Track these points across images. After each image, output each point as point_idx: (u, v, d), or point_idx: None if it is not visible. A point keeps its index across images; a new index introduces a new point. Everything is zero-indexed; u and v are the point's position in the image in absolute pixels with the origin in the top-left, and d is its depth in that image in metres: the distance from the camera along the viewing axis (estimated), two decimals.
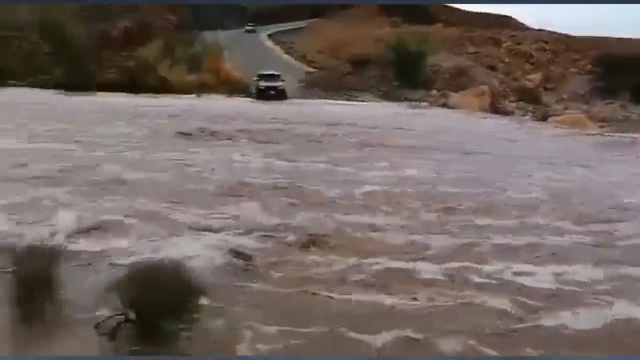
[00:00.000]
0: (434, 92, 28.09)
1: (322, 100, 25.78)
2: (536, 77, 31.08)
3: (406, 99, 26.42)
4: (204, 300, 4.33)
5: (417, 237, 6.82)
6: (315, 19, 54.23)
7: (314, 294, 5.07)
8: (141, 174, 9.45)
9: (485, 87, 26.28)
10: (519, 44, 36.04)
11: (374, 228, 7.14)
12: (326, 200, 8.45)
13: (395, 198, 8.81)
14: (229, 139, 13.93)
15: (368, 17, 45.55)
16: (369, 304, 4.94)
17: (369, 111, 22.89)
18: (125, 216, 6.99)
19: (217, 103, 23.52)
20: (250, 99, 25.37)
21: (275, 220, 7.17)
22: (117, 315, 4.08)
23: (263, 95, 24.82)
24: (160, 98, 23.74)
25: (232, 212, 7.48)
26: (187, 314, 4.18)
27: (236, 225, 6.93)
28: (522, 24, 53.45)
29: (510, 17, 56.22)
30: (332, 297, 4.99)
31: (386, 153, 12.98)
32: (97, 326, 4.04)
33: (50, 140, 12.33)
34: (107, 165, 9.82)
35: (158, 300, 4.00)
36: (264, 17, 59.26)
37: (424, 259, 6.09)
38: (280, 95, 24.94)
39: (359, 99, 27.10)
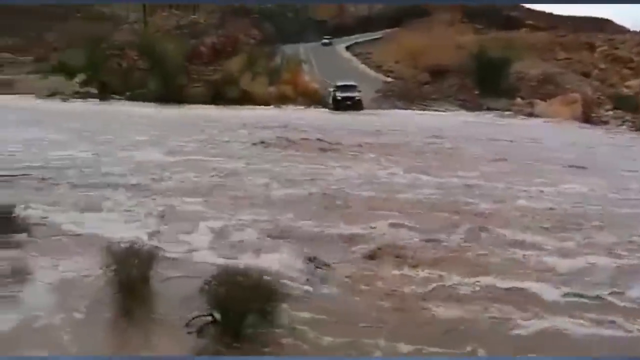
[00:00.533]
0: (519, 100, 26.75)
1: (405, 111, 25.52)
2: (636, 83, 28.50)
3: (488, 109, 25.42)
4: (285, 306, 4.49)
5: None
6: (394, 29, 53.99)
7: None
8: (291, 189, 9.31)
9: (576, 95, 24.56)
10: (616, 48, 33.35)
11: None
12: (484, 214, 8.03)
13: (557, 216, 8.07)
14: (358, 152, 13.79)
15: (449, 24, 44.49)
16: None
17: (449, 121, 22.26)
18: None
19: (304, 114, 24.10)
20: (327, 109, 25.80)
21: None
22: (204, 315, 4.33)
23: (340, 105, 25.10)
24: (252, 110, 24.99)
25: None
26: (268, 318, 4.37)
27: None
28: (622, 26, 49.40)
29: (606, 20, 52.24)
30: None
31: (527, 168, 12.11)
32: (186, 324, 4.31)
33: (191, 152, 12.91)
34: (259, 179, 10.06)
35: (241, 304, 4.22)
36: (342, 29, 60.11)
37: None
38: (356, 105, 25.07)
39: (435, 108, 26.51)
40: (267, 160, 12.22)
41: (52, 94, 28.30)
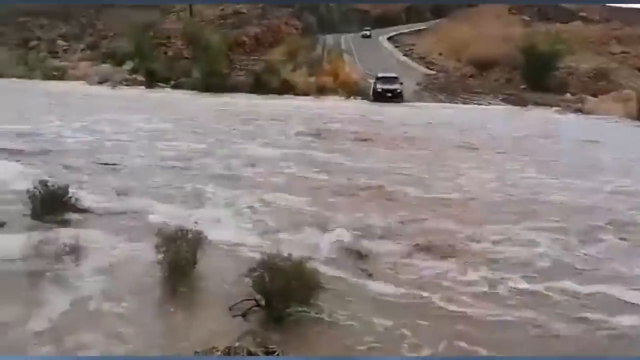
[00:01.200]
0: (568, 96, 25.72)
1: (449, 104, 25.11)
2: None
3: (535, 104, 24.58)
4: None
5: None
6: (439, 20, 52.87)
7: None
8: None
9: (631, 92, 23.35)
10: None
11: None
12: None
13: None
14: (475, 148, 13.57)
15: (497, 16, 43.12)
16: None
17: (493, 115, 21.68)
18: None
19: (343, 105, 24.16)
20: (367, 101, 25.68)
21: None
22: (248, 299, 4.46)
23: (380, 97, 24.94)
24: (292, 100, 25.22)
25: None
26: (310, 304, 4.46)
27: None
28: None
29: None
30: None
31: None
32: (231, 308, 4.45)
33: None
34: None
35: (285, 290, 4.31)
36: (385, 20, 59.30)
37: None
38: (397, 97, 24.84)
39: (479, 101, 25.87)
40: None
41: (102, 81, 29.47)
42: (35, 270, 5.03)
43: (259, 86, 27.27)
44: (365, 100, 25.80)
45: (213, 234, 5.73)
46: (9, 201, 7.06)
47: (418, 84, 29.58)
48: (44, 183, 6.85)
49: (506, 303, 4.92)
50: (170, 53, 33.76)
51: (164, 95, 26.13)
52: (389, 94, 24.90)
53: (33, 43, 39.25)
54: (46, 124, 14.72)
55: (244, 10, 44.87)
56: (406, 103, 24.80)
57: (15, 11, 43.49)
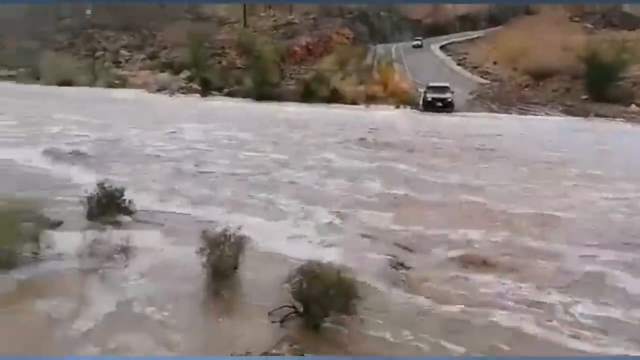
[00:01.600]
0: (634, 107, 24.19)
1: (501, 115, 24.26)
2: None
3: (597, 115, 23.29)
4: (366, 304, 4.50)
5: None
6: (495, 28, 51.48)
7: None
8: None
9: None
10: None
11: None
12: None
13: None
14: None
15: (556, 23, 41.38)
16: None
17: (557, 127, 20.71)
18: None
19: (391, 114, 23.98)
20: (416, 110, 25.32)
21: None
22: (287, 306, 4.46)
23: (429, 107, 24.53)
24: (340, 108, 25.31)
25: None
26: (348, 313, 4.41)
27: None
28: None
29: None
30: None
31: None
32: (270, 313, 4.47)
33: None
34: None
35: (323, 299, 4.29)
36: (437, 29, 58.53)
37: None
38: (447, 106, 24.34)
39: (535, 112, 24.82)
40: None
41: (160, 89, 30.84)
42: (86, 269, 5.27)
43: (308, 95, 27.57)
44: (415, 110, 25.47)
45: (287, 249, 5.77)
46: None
47: (471, 93, 28.84)
48: (101, 185, 7.22)
49: None
50: (224, 63, 34.87)
51: (229, 104, 26.75)
52: (440, 104, 24.43)
53: (99, 53, 41.77)
54: (125, 131, 15.28)
55: (296, 21, 45.70)
56: (457, 113, 24.23)
57: (85, 24, 46.53)
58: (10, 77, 37.32)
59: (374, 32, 55.02)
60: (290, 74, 33.37)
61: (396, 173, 10.75)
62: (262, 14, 48.72)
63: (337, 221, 7.35)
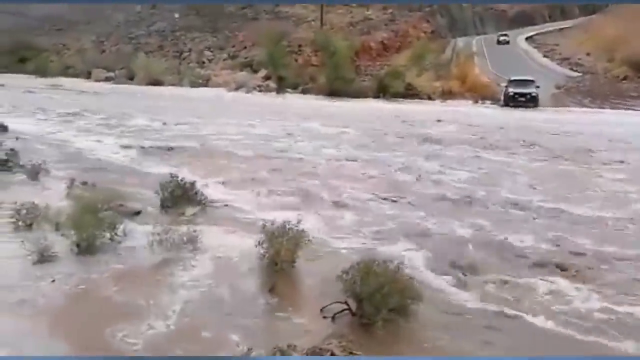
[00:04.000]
0: None
1: (594, 110, 22.29)
2: None
3: None
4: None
5: None
6: (588, 17, 47.55)
7: None
8: None
9: None
10: None
11: None
12: None
13: None
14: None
15: None
16: None
17: None
18: None
19: (468, 110, 23.03)
20: (497, 105, 24.12)
21: None
22: (339, 302, 4.42)
23: (511, 101, 23.20)
24: (416, 104, 24.74)
25: None
26: (403, 313, 4.27)
27: None
28: None
29: None
30: None
31: None
32: (321, 309, 4.46)
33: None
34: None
35: (376, 296, 4.19)
36: (524, 19, 55.23)
37: None
38: (531, 102, 22.85)
39: (634, 107, 22.48)
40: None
41: (238, 87, 32.08)
42: (157, 257, 5.59)
43: (382, 91, 27.27)
44: (495, 105, 24.26)
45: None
46: None
47: (558, 87, 26.87)
48: (175, 177, 7.65)
49: None
50: (300, 60, 35.47)
51: (299, 101, 27.22)
52: (522, 98, 23.01)
53: (185, 54, 44.29)
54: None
55: (373, 17, 45.30)
56: (543, 108, 22.67)
57: (173, 27, 49.59)
58: (107, 79, 40.81)
59: (454, 24, 53.10)
60: (365, 70, 33.19)
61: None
62: (339, 11, 48.87)
63: None
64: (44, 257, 5.29)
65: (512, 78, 24.59)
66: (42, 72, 44.89)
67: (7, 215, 6.28)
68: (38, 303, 4.54)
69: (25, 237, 5.73)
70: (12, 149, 9.85)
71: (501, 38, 46.01)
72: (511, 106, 22.99)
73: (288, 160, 11.40)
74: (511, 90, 23.55)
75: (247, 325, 4.29)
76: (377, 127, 16.97)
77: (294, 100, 27.67)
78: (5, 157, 9.21)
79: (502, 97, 24.35)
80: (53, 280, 4.95)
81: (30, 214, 6.24)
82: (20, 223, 6.16)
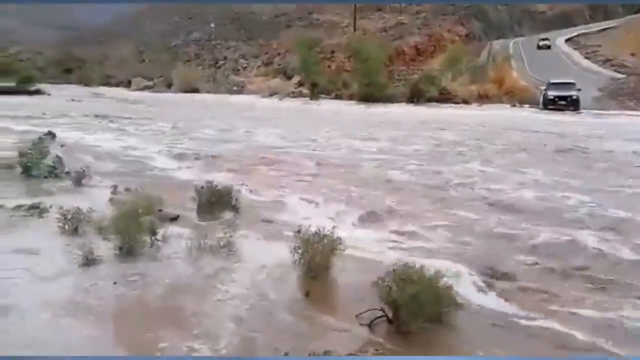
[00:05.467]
0: None
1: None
2: None
3: None
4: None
5: None
6: (634, 15, 45.69)
7: None
8: None
9: None
10: None
11: None
12: None
13: None
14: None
15: None
16: None
17: None
18: None
19: (505, 114, 22.58)
20: (535, 109, 23.50)
21: None
22: (375, 309, 4.38)
23: (550, 105, 22.55)
24: (452, 109, 24.43)
25: None
26: (442, 322, 4.20)
27: None
28: None
29: None
30: None
31: None
32: (356, 316, 4.42)
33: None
34: None
35: (413, 304, 4.12)
36: (564, 20, 53.61)
37: None
38: (572, 105, 22.12)
39: None
40: None
41: (271, 94, 32.51)
42: (194, 260, 5.69)
43: (415, 96, 27.05)
44: (535, 109, 23.65)
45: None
46: None
47: (600, 89, 25.91)
48: (210, 183, 7.79)
49: None
50: (332, 67, 35.64)
51: (330, 106, 27.41)
52: (563, 102, 22.32)
53: (221, 62, 45.31)
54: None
55: (405, 21, 45.05)
56: (587, 111, 21.92)
57: (209, 36, 50.79)
58: (146, 87, 42.18)
59: (490, 27, 52.09)
60: (398, 75, 33.00)
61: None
62: (372, 17, 48.88)
63: None
64: (88, 260, 5.48)
65: (552, 81, 23.92)
66: (85, 82, 46.87)
67: (55, 219, 6.54)
68: (86, 304, 4.70)
69: (71, 240, 5.96)
70: (57, 156, 10.27)
71: (541, 43, 43.39)
72: (550, 109, 22.38)
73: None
74: (551, 93, 22.91)
75: (282, 330, 4.30)
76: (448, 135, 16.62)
77: (330, 105, 27.80)
78: (52, 164, 9.61)
79: (540, 101, 23.72)
80: (115, 283, 5.09)
81: (74, 218, 6.48)
82: (66, 227, 6.40)
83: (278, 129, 18.54)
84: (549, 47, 42.81)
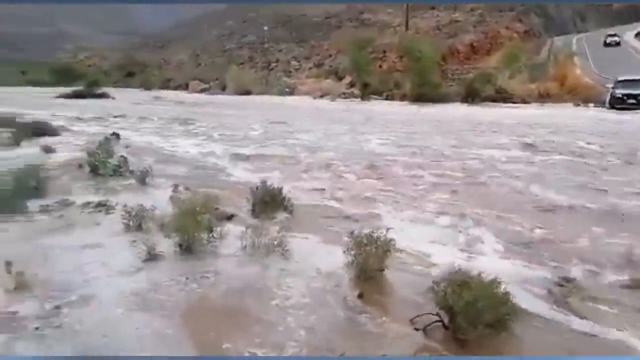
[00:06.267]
0: None
1: None
2: None
3: None
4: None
5: None
6: None
7: None
8: None
9: None
10: None
11: None
12: None
13: None
14: None
15: None
16: None
17: None
18: None
19: (568, 113, 21.44)
20: (601, 108, 22.19)
21: None
22: (430, 314, 4.30)
23: (619, 104, 21.21)
24: (509, 109, 23.52)
25: None
26: (499, 329, 4.07)
27: None
28: None
29: None
30: None
31: None
32: (411, 320, 4.36)
33: None
34: None
35: (471, 310, 4.02)
36: (632, 14, 50.35)
37: None
38: None
39: None
40: None
41: (323, 95, 32.68)
42: (248, 259, 5.83)
43: (470, 95, 26.30)
44: (599, 108, 22.36)
45: None
46: None
47: None
48: (264, 183, 7.95)
49: None
50: (384, 67, 35.33)
51: (382, 107, 27.11)
52: (633, 100, 20.94)
53: (273, 65, 46.11)
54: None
55: (460, 19, 43.92)
56: None
57: (262, 39, 51.83)
58: (202, 90, 43.66)
59: (550, 23, 49.81)
60: (453, 74, 32.23)
61: None
62: (425, 15, 48.06)
63: None
64: (151, 256, 5.75)
65: (620, 78, 22.52)
66: (146, 86, 49.18)
67: (120, 216, 6.91)
68: (150, 297, 4.93)
69: (135, 236, 6.28)
70: (122, 156, 10.85)
71: (609, 39, 40.08)
72: (618, 109, 21.07)
73: None
74: (619, 91, 21.57)
75: (334, 331, 4.31)
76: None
77: (380, 107, 27.55)
78: (117, 163, 10.16)
79: (606, 99, 22.38)
80: (187, 278, 5.30)
81: (138, 215, 6.82)
82: (130, 223, 6.74)
83: (385, 133, 17.32)
84: (618, 43, 39.51)
